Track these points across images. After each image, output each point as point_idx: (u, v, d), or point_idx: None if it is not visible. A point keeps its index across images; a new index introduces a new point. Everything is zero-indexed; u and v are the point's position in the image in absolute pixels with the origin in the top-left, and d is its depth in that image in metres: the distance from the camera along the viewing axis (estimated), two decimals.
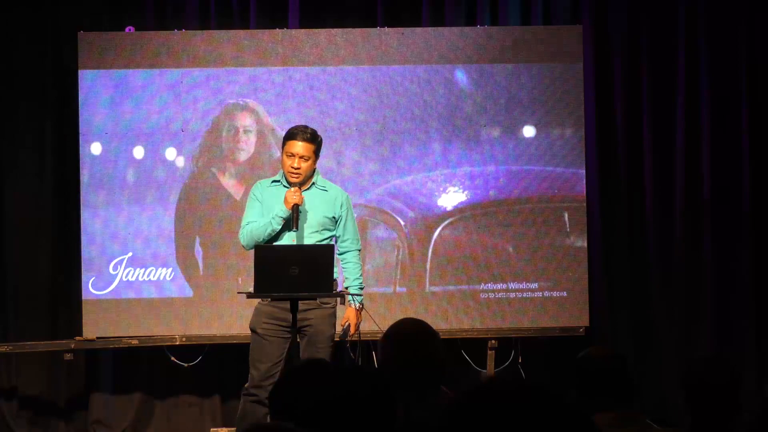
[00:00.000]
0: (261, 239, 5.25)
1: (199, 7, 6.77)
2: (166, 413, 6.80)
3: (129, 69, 6.48)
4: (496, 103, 6.59)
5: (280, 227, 5.22)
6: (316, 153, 5.29)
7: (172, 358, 6.54)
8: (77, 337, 6.45)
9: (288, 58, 6.53)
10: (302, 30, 6.62)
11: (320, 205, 5.32)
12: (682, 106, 6.81)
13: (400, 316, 6.02)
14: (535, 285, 6.59)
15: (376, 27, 6.66)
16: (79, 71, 6.46)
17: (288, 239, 5.24)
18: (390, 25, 6.65)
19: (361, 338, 5.43)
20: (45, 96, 6.71)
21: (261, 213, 5.29)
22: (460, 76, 6.58)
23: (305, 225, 5.27)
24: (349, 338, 5.43)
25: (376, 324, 5.43)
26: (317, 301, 5.19)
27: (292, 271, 4.88)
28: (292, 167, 5.23)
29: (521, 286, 6.59)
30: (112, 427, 6.72)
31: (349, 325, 5.36)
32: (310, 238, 5.27)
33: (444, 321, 6.45)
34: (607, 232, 6.82)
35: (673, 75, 6.83)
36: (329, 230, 5.34)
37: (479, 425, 1.70)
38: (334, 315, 5.30)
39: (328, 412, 2.08)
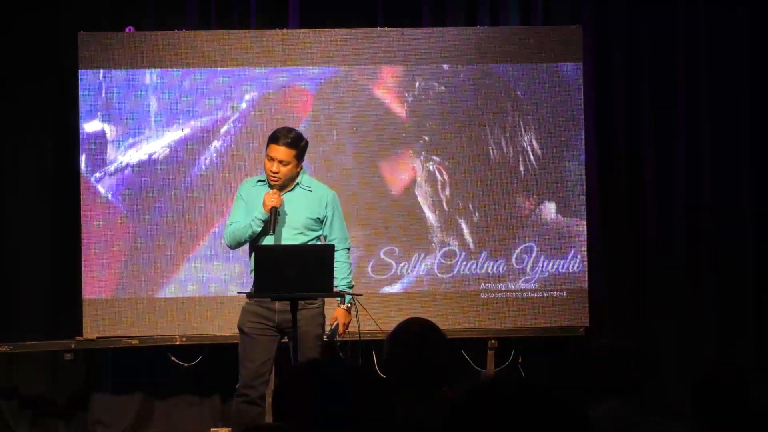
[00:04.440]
0: (243, 240, 5.24)
1: (200, 7, 6.77)
2: (166, 413, 6.80)
3: (129, 69, 6.48)
4: (495, 104, 6.59)
5: (260, 229, 5.18)
6: (298, 157, 5.21)
7: (172, 358, 6.54)
8: (77, 337, 6.45)
9: (288, 58, 6.53)
10: (302, 30, 6.62)
11: (304, 206, 5.27)
12: (683, 106, 6.81)
13: (399, 317, 6.03)
14: (535, 285, 6.59)
15: (376, 27, 6.66)
16: (79, 71, 6.46)
17: (268, 242, 5.20)
18: (390, 25, 6.65)
19: (361, 338, 5.41)
20: (45, 96, 6.71)
21: (246, 212, 5.26)
22: (460, 76, 6.58)
23: (288, 226, 5.22)
24: (338, 338, 5.41)
25: (376, 324, 5.43)
26: (302, 301, 5.18)
27: (292, 271, 4.88)
28: (271, 171, 5.19)
29: (521, 286, 6.59)
30: (112, 427, 6.72)
31: (337, 325, 5.34)
32: (294, 239, 5.21)
33: (444, 321, 6.44)
34: (607, 231, 6.81)
35: (674, 74, 6.83)
36: (314, 231, 5.29)
37: (479, 425, 1.70)
38: (321, 314, 5.26)
39: (328, 414, 2.08)
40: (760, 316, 6.79)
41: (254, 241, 5.23)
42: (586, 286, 6.59)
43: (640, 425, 3.01)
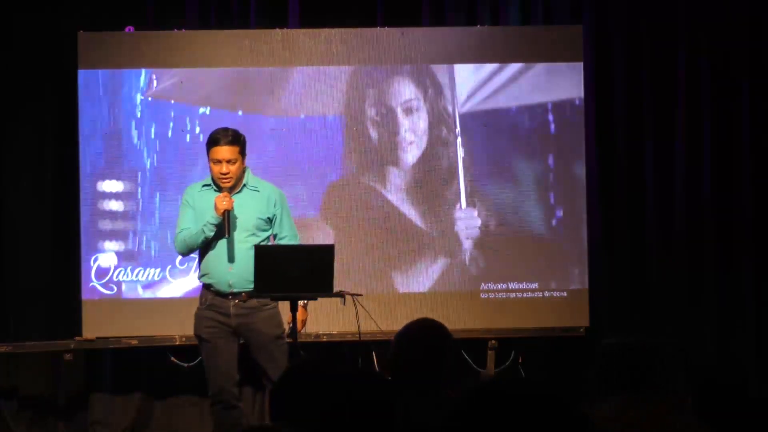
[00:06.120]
0: (195, 246, 5.23)
1: (199, 6, 6.78)
2: (166, 413, 6.80)
3: (129, 69, 6.48)
4: (495, 103, 6.59)
5: (213, 234, 5.16)
6: (242, 153, 5.19)
7: (172, 358, 6.54)
8: (77, 337, 6.45)
9: (287, 58, 6.53)
10: (302, 30, 6.61)
11: (253, 207, 5.24)
12: (683, 105, 6.81)
13: (400, 317, 6.04)
14: (535, 285, 6.59)
15: (376, 27, 6.66)
16: (79, 71, 6.46)
17: (222, 245, 5.19)
18: (390, 25, 6.65)
19: (361, 338, 5.40)
20: (45, 96, 6.71)
21: (195, 219, 5.22)
22: (460, 75, 6.57)
23: (240, 228, 5.19)
24: (297, 336, 5.39)
25: (377, 324, 5.42)
26: (256, 303, 5.17)
27: (292, 272, 4.88)
28: (221, 173, 5.15)
29: (521, 286, 6.58)
30: (112, 427, 6.72)
31: (295, 324, 5.31)
32: (246, 241, 5.17)
33: (444, 321, 6.41)
34: (608, 231, 6.81)
35: (674, 74, 6.82)
36: (265, 231, 5.26)
37: (480, 425, 1.70)
38: (277, 315, 5.24)
39: (327, 414, 2.08)
40: (760, 315, 6.79)
41: (206, 246, 5.21)
42: (586, 286, 6.59)
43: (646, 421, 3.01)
